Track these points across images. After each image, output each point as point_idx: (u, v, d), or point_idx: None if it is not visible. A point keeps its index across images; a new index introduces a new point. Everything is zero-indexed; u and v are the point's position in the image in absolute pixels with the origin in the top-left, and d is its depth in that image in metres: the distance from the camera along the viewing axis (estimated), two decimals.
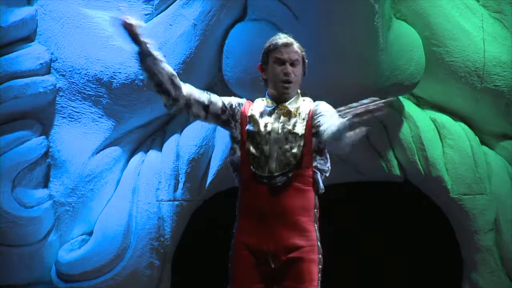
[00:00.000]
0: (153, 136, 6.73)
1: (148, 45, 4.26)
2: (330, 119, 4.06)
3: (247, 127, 4.28)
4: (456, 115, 6.74)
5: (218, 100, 4.34)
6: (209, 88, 6.58)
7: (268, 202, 4.19)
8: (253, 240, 4.21)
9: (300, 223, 4.21)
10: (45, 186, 6.58)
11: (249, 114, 4.30)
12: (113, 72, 6.47)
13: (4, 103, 6.40)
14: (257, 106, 4.33)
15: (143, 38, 4.24)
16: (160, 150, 6.63)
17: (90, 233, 6.62)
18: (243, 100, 4.38)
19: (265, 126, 4.25)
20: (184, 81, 6.48)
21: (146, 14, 6.56)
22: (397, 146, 6.59)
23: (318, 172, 4.26)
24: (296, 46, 4.33)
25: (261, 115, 4.29)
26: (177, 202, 6.48)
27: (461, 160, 6.62)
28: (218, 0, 6.43)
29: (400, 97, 6.60)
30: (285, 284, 4.17)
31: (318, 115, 4.22)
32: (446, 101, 6.73)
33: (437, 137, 6.64)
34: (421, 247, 6.78)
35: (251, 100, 4.41)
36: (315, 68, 5.86)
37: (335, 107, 6.50)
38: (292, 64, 4.28)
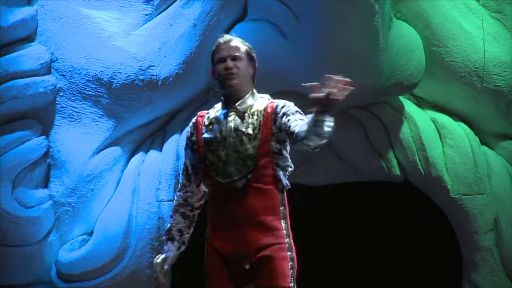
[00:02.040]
0: (153, 136, 6.73)
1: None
2: (299, 121, 4.05)
3: (203, 135, 4.26)
4: (456, 115, 6.75)
5: (190, 176, 4.36)
6: (209, 89, 6.61)
7: (231, 206, 4.19)
8: (221, 244, 4.23)
9: (266, 223, 4.18)
10: (45, 186, 6.58)
11: (206, 122, 4.28)
12: (113, 72, 6.47)
13: (4, 103, 6.40)
14: (213, 112, 4.31)
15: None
16: (160, 150, 6.63)
17: (90, 233, 6.62)
18: (192, 123, 4.35)
19: (220, 131, 4.22)
20: (184, 81, 6.53)
21: (146, 14, 6.56)
22: (397, 146, 6.60)
23: (279, 169, 4.22)
24: (236, 41, 4.33)
25: (217, 120, 4.26)
26: None
27: (461, 160, 6.62)
28: (219, 0, 6.43)
29: (400, 97, 6.61)
30: (258, 282, 4.17)
31: (283, 116, 4.16)
32: (446, 101, 6.74)
33: (437, 137, 6.64)
34: (421, 247, 6.78)
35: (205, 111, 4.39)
36: (315, 68, 5.89)
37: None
38: (234, 59, 4.25)
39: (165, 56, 6.45)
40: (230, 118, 4.23)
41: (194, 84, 6.57)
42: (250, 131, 4.18)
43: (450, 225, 6.69)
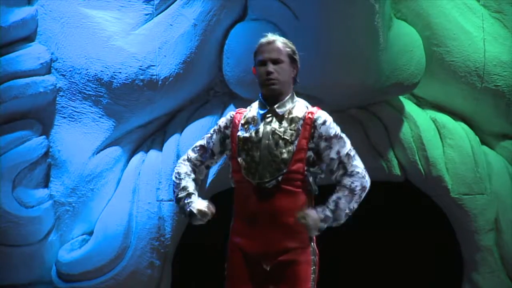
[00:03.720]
0: (153, 136, 6.73)
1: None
2: (339, 170, 4.21)
3: (238, 133, 4.26)
4: (456, 115, 6.74)
5: (204, 157, 4.40)
6: (210, 89, 6.61)
7: (258, 205, 4.19)
8: (245, 242, 4.23)
9: (290, 225, 4.19)
10: (46, 186, 6.58)
11: (242, 121, 4.29)
12: (114, 72, 6.47)
13: (4, 103, 6.40)
14: (252, 111, 4.31)
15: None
16: (161, 150, 6.63)
17: (90, 233, 6.62)
18: (230, 116, 4.36)
19: (257, 132, 4.22)
20: (184, 81, 6.53)
21: (146, 14, 6.55)
22: (397, 146, 6.59)
23: (310, 174, 4.24)
24: (278, 43, 4.23)
25: (254, 120, 4.26)
26: None
27: (462, 160, 6.61)
28: (219, 0, 6.43)
29: (401, 97, 6.61)
30: (281, 286, 4.17)
31: (325, 141, 4.22)
32: (447, 101, 6.73)
33: (438, 137, 6.64)
34: (421, 247, 6.78)
35: (243, 108, 4.40)
36: (315, 68, 5.90)
37: (335, 107, 6.57)
38: (275, 62, 4.20)
39: (165, 56, 6.45)
40: (267, 120, 4.22)
41: (194, 84, 6.57)
42: (287, 136, 4.18)
43: (450, 225, 6.69)
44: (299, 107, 4.25)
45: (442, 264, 6.81)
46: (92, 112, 6.58)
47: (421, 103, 6.74)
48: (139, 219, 6.50)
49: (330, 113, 5.95)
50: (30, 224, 6.42)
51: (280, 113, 4.22)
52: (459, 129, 6.70)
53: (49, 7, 6.62)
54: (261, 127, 4.23)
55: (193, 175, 4.39)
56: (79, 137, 6.57)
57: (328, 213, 4.18)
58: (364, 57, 6.05)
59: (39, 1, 6.63)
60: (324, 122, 4.24)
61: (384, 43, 6.10)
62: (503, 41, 6.72)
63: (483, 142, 6.80)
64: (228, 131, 4.33)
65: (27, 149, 6.47)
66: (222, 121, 4.39)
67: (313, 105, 4.35)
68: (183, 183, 4.35)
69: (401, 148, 6.59)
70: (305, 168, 4.19)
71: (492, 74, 6.65)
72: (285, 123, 4.21)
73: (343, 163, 4.24)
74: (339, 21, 5.93)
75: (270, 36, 4.26)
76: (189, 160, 4.41)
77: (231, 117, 4.36)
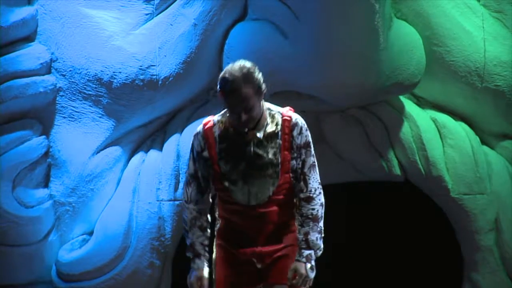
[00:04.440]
0: (153, 136, 6.72)
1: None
2: (309, 181, 4.19)
3: (218, 157, 4.21)
4: (456, 115, 6.74)
5: (203, 188, 4.33)
6: (209, 89, 6.61)
7: (250, 219, 4.20)
8: (236, 243, 4.22)
9: (283, 226, 4.23)
10: (46, 186, 6.58)
11: (217, 138, 4.22)
12: (114, 72, 6.47)
13: (4, 103, 6.39)
14: (223, 131, 4.23)
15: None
16: (161, 150, 6.62)
17: (90, 233, 6.62)
18: (200, 135, 4.27)
19: (238, 161, 4.17)
20: (184, 81, 6.53)
21: (146, 14, 6.55)
22: (397, 146, 6.59)
23: (295, 181, 4.26)
24: (244, 90, 4.07)
25: (233, 142, 4.21)
26: (177, 202, 6.47)
27: (462, 160, 6.61)
28: (219, 0, 6.42)
29: (401, 97, 6.60)
30: (270, 281, 4.19)
31: (301, 153, 4.21)
32: (447, 101, 6.73)
33: (438, 137, 6.63)
34: (421, 247, 6.77)
35: (205, 122, 4.32)
36: (315, 68, 5.90)
37: (335, 107, 6.53)
38: (246, 111, 4.10)
39: (165, 56, 6.45)
40: (247, 141, 4.18)
41: (194, 84, 6.57)
42: (271, 156, 4.17)
43: (450, 225, 6.69)
44: (273, 119, 4.24)
45: (442, 264, 6.81)
46: (92, 112, 6.57)
47: (421, 103, 6.74)
48: (139, 219, 6.50)
49: (330, 113, 5.98)
50: (30, 224, 6.42)
51: (259, 136, 4.19)
52: (459, 129, 6.69)
53: (49, 7, 6.61)
54: (242, 149, 4.20)
55: (199, 223, 4.32)
56: (79, 137, 6.56)
57: (307, 253, 4.18)
58: (364, 57, 6.05)
59: (39, 1, 6.63)
60: (300, 131, 4.24)
61: (384, 43, 6.09)
62: (503, 41, 6.71)
63: (483, 142, 6.79)
64: (206, 154, 4.26)
65: (27, 149, 6.46)
66: (196, 146, 4.29)
67: (284, 106, 4.35)
68: (190, 237, 4.31)
69: (401, 148, 6.58)
70: (291, 176, 4.22)
71: (493, 74, 6.64)
72: (265, 143, 4.19)
73: (304, 176, 4.23)
74: (339, 21, 5.92)
75: (229, 80, 4.09)
76: (191, 199, 4.32)
77: (202, 136, 4.27)
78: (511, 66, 6.66)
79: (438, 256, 6.79)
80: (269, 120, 4.23)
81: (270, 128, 4.21)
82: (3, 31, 6.44)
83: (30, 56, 6.53)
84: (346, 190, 6.67)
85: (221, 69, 6.46)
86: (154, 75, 6.43)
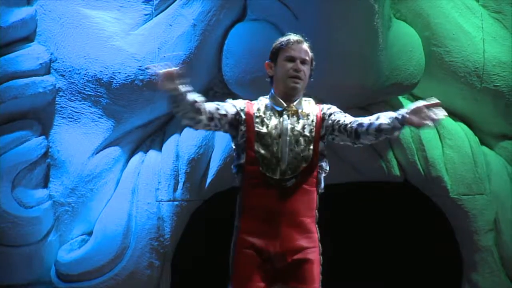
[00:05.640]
0: (152, 136, 6.73)
1: (185, 91, 4.25)
2: (348, 117, 4.30)
3: (256, 129, 4.28)
4: (455, 115, 6.75)
5: (229, 108, 4.32)
6: (209, 89, 6.61)
7: (276, 203, 4.22)
8: (258, 240, 4.22)
9: (304, 224, 4.25)
10: (45, 186, 6.58)
11: (256, 114, 4.31)
12: (113, 72, 6.47)
13: (4, 103, 6.40)
14: (263, 106, 4.34)
15: (182, 86, 4.25)
16: (160, 150, 6.63)
17: (89, 233, 6.62)
18: (243, 102, 4.37)
19: (275, 127, 4.27)
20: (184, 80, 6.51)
21: (146, 14, 6.56)
22: (397, 147, 6.59)
23: (321, 172, 4.32)
24: (306, 45, 4.37)
25: (269, 116, 4.30)
26: (176, 202, 6.48)
27: (461, 160, 6.62)
28: (218, 0, 6.43)
29: (400, 97, 6.61)
30: (290, 285, 4.20)
31: (333, 114, 4.32)
32: (446, 101, 6.67)
33: (437, 137, 6.64)
34: (421, 247, 6.78)
35: (250, 100, 4.41)
36: (315, 68, 5.89)
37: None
38: (302, 63, 4.33)
39: (164, 56, 6.45)
40: (285, 116, 4.28)
41: (194, 84, 6.46)
42: (307, 132, 4.28)
43: (450, 225, 6.69)
44: (311, 107, 4.38)
45: (442, 264, 6.81)
46: (91, 112, 6.58)
47: None
48: (139, 220, 6.50)
49: None
50: (29, 224, 6.42)
51: (298, 110, 4.30)
52: (459, 129, 6.70)
53: (49, 8, 6.62)
54: (279, 123, 4.28)
55: (203, 106, 4.29)
56: (79, 137, 6.57)
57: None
58: (363, 57, 6.06)
59: (39, 2, 6.64)
60: (329, 107, 4.40)
61: (383, 43, 6.10)
62: (503, 41, 6.72)
63: (482, 142, 6.80)
64: (243, 114, 4.31)
65: (26, 149, 6.47)
66: (238, 102, 4.36)
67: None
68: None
69: (400, 148, 6.59)
70: (319, 164, 4.30)
71: (492, 75, 6.65)
72: (302, 120, 4.30)
73: (343, 118, 4.37)
74: (339, 21, 5.94)
75: (298, 36, 4.38)
76: (214, 114, 4.29)
77: (245, 103, 4.35)
78: (510, 66, 6.68)
79: (438, 256, 6.80)
80: (305, 102, 4.37)
81: (307, 109, 4.34)
82: (2, 31, 6.45)
83: (29, 56, 6.53)
84: (346, 190, 6.67)
85: (220, 70, 6.48)
86: (154, 75, 6.43)
